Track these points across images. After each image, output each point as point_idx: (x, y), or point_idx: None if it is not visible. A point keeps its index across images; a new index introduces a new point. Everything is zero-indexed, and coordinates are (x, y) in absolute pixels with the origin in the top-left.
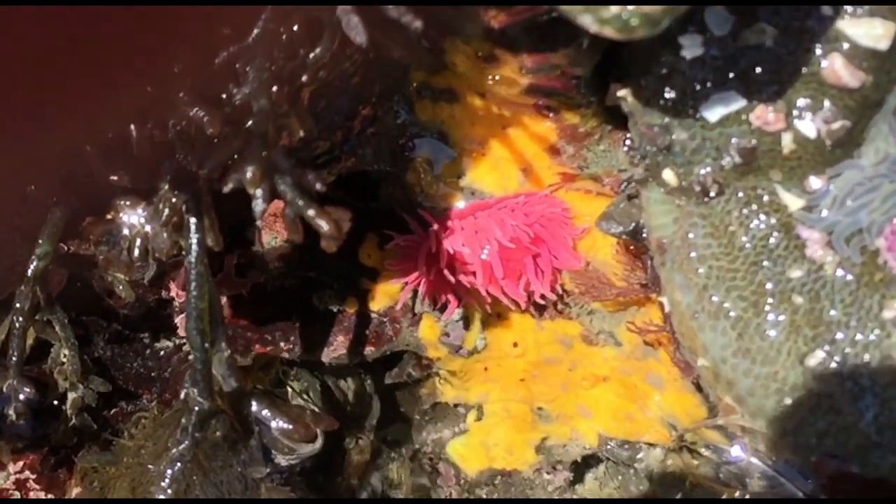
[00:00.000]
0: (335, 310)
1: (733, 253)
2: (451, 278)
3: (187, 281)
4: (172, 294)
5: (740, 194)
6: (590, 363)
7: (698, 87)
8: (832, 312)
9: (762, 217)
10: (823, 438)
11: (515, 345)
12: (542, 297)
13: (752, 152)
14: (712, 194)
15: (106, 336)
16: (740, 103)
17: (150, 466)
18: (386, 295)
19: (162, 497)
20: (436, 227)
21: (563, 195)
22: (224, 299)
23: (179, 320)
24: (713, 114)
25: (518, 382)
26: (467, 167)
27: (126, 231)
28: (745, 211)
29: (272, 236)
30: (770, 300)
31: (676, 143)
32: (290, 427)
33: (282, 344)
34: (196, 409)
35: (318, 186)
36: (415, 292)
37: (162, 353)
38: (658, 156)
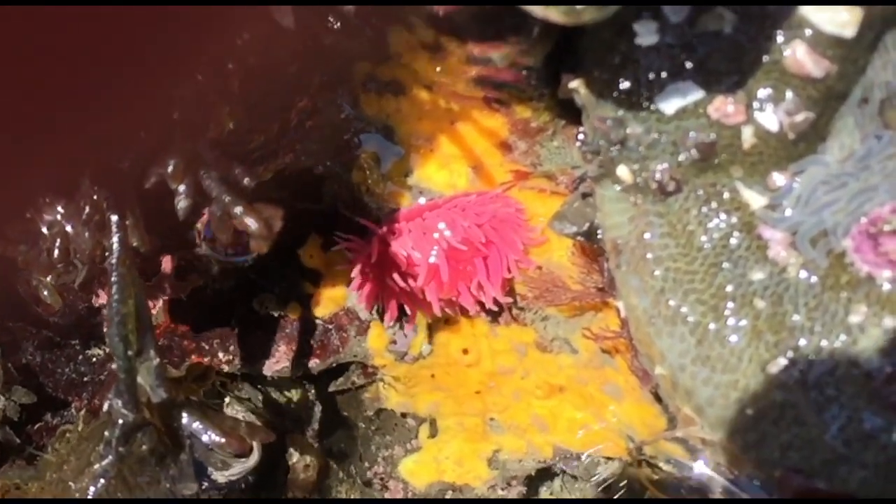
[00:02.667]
0: (277, 315)
1: (691, 254)
2: (397, 283)
3: (109, 285)
4: (102, 301)
5: (699, 192)
6: (544, 371)
7: (653, 78)
8: (795, 317)
9: (722, 216)
10: (787, 452)
11: (466, 351)
12: (496, 301)
13: (710, 147)
14: (669, 191)
15: (35, 342)
16: (698, 95)
17: (71, 483)
18: (331, 300)
19: None
20: (383, 229)
21: (517, 194)
22: (160, 304)
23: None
24: (669, 106)
25: (473, 395)
26: (415, 164)
27: (45, 230)
28: (704, 209)
29: None
30: (730, 304)
31: (631, 137)
32: (223, 440)
33: (220, 354)
34: (120, 421)
35: (247, 181)
36: None
37: (94, 359)
38: (612, 151)
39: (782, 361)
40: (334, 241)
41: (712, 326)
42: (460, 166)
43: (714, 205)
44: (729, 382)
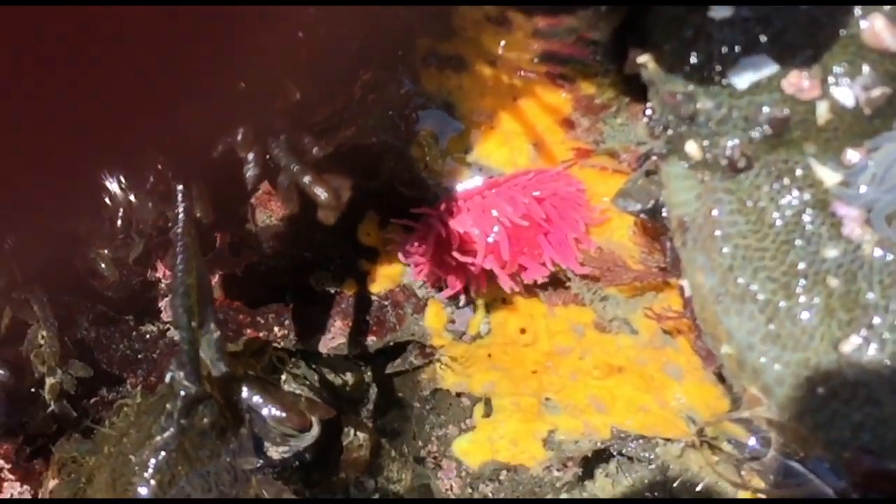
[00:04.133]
0: (333, 291)
1: (762, 231)
2: (459, 260)
3: (172, 255)
4: (159, 275)
5: (771, 168)
6: (602, 352)
7: (726, 52)
8: (870, 295)
9: (795, 192)
10: (859, 432)
11: (523, 331)
12: (551, 280)
13: (783, 122)
14: (740, 168)
15: (90, 317)
16: (772, 69)
17: (131, 456)
18: (387, 277)
19: (144, 488)
20: (443, 207)
21: (578, 172)
22: (215, 279)
23: (164, 304)
24: (742, 80)
25: (530, 375)
26: (475, 141)
27: (108, 200)
28: (775, 186)
29: (266, 215)
30: (802, 282)
31: (701, 112)
32: (284, 415)
33: (276, 329)
34: (182, 393)
35: (316, 151)
36: None
37: (148, 336)
38: (681, 127)
39: (855, 340)
40: (390, 218)
41: (783, 304)
42: (521, 143)
43: (786, 181)
44: (800, 361)
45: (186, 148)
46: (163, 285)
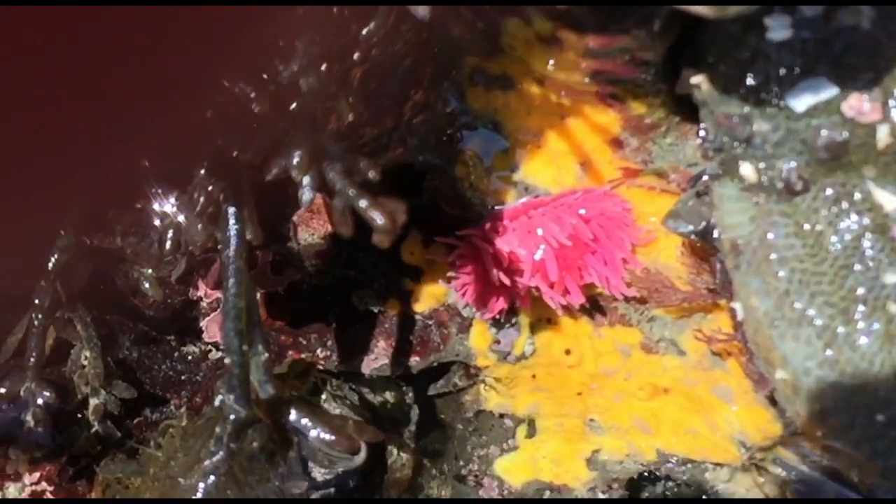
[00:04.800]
0: (376, 311)
1: (820, 255)
2: (505, 281)
3: (224, 277)
4: (200, 293)
5: (828, 191)
6: (648, 373)
7: (785, 73)
8: None
9: (853, 217)
10: None
11: (568, 352)
12: (595, 301)
13: (842, 146)
14: (797, 191)
15: (132, 336)
16: (831, 92)
17: (180, 479)
18: (431, 296)
19: None
20: (487, 226)
21: (625, 192)
22: (258, 297)
23: (205, 323)
24: (800, 103)
25: (574, 396)
26: (521, 160)
27: (157, 221)
28: (834, 210)
29: (308, 233)
30: (861, 307)
31: (757, 134)
32: (333, 438)
33: (318, 350)
34: (232, 417)
35: (372, 175)
36: None
37: (190, 357)
38: (736, 149)
39: None
40: (434, 238)
41: (841, 330)
42: (568, 162)
43: (845, 205)
44: (857, 387)
45: (237, 168)
46: (204, 304)
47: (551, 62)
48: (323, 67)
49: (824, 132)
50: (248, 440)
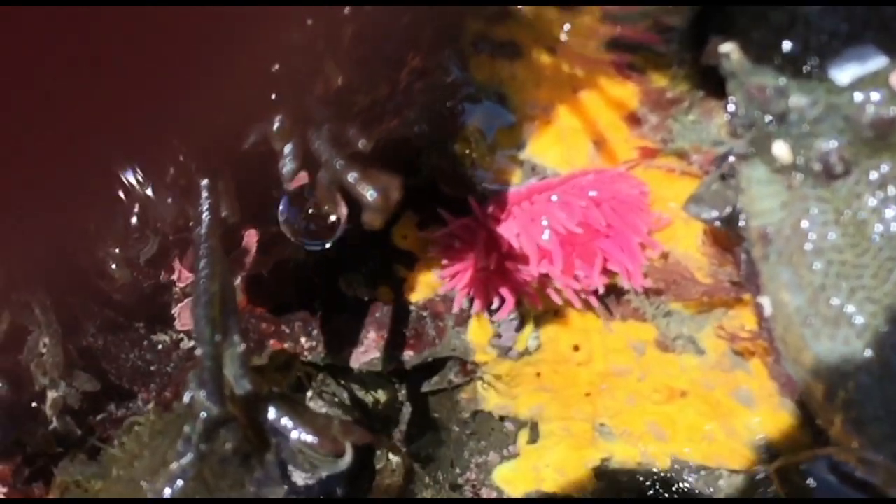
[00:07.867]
0: (366, 299)
1: (861, 245)
2: (504, 269)
3: (195, 258)
4: (173, 277)
5: (873, 175)
6: (664, 373)
7: (826, 40)
8: None
9: None
10: None
11: (576, 348)
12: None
13: (891, 124)
14: (836, 174)
15: (97, 323)
16: (880, 62)
17: (143, 483)
18: (426, 285)
19: None
20: (490, 210)
21: (641, 174)
22: (237, 281)
23: (178, 310)
24: (844, 74)
25: (582, 397)
26: (528, 137)
27: (122, 195)
28: (879, 195)
29: None
30: None
31: (794, 110)
32: (316, 440)
33: (303, 340)
34: (203, 415)
35: (362, 144)
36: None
37: (160, 346)
38: (768, 125)
39: None
40: (430, 220)
41: (885, 329)
42: (580, 140)
43: (892, 191)
44: None
45: (212, 137)
46: (177, 289)
47: (566, 27)
48: (308, 22)
49: (870, 108)
50: (220, 441)
